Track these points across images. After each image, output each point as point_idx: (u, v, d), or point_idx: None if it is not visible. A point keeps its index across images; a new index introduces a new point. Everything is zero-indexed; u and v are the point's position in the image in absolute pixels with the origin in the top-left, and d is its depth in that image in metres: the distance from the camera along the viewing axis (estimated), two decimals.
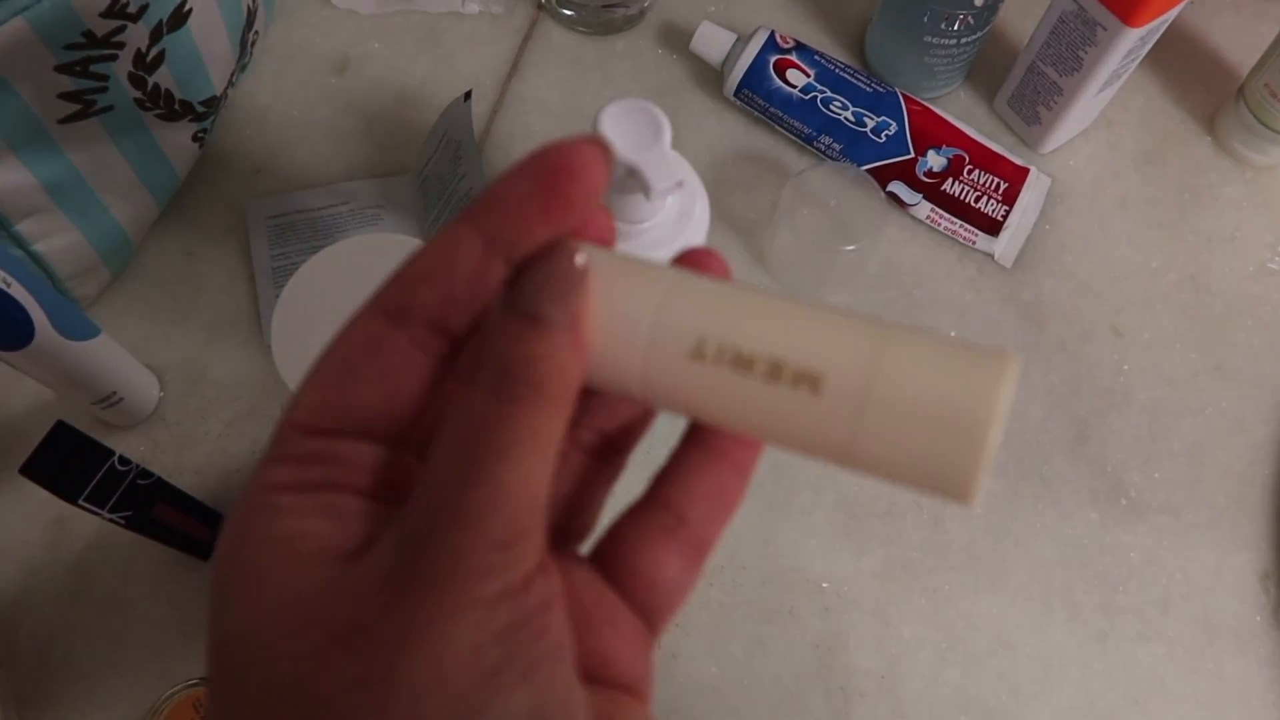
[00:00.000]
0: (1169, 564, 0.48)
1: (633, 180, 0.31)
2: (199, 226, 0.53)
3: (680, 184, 0.32)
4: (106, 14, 0.40)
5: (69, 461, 0.36)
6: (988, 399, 0.16)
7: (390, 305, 0.18)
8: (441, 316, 0.18)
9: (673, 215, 0.34)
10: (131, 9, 0.41)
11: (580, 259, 0.18)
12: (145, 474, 0.40)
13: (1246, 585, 0.48)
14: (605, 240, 0.20)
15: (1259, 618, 0.48)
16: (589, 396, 0.21)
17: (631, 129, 0.31)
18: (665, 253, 0.35)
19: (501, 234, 0.18)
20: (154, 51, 0.43)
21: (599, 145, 0.18)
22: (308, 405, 0.18)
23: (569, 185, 0.18)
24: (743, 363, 0.17)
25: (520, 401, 0.17)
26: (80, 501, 0.36)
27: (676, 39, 0.59)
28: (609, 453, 0.22)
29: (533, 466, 0.17)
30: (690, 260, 0.21)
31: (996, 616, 0.47)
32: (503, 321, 0.18)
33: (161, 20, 0.42)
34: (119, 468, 0.38)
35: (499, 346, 0.17)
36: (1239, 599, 0.48)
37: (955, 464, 0.16)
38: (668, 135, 0.31)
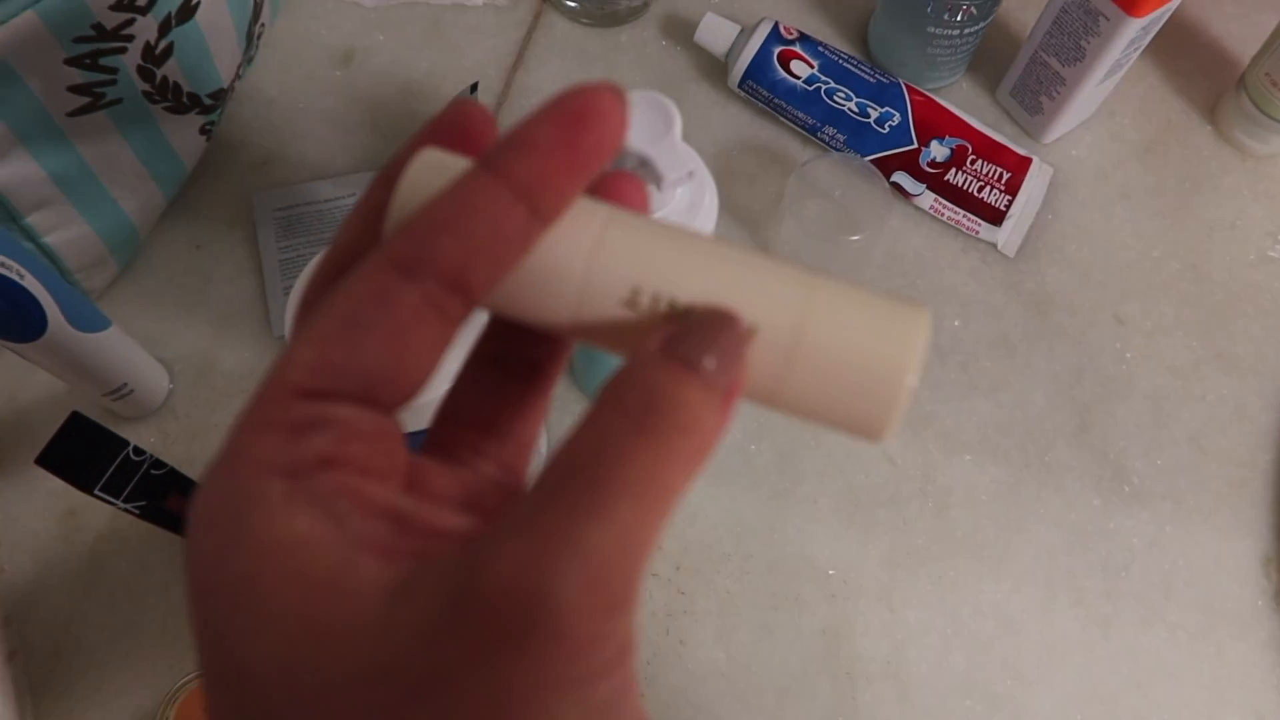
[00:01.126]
0: (1171, 550, 0.49)
1: (644, 171, 0.31)
2: (206, 219, 0.54)
3: (691, 174, 0.33)
4: (116, 7, 0.40)
5: (84, 452, 0.37)
6: (905, 349, 0.17)
7: (402, 257, 0.16)
8: (461, 272, 0.16)
9: (683, 205, 0.35)
10: (141, 2, 0.41)
11: (744, 330, 0.17)
12: (159, 464, 0.40)
13: (1248, 570, 0.49)
14: (638, 204, 0.20)
15: (1260, 602, 0.48)
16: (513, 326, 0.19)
17: (643, 120, 0.31)
18: None
19: (527, 182, 0.16)
20: (163, 44, 0.44)
21: (617, 91, 0.17)
22: (305, 362, 0.16)
23: (596, 130, 0.17)
24: (677, 312, 0.17)
25: (664, 441, 0.16)
26: (96, 491, 0.37)
27: (681, 30, 0.59)
28: (532, 375, 0.21)
29: (657, 518, 0.15)
30: (610, 187, 0.20)
31: (1001, 602, 0.48)
32: (662, 360, 0.16)
33: (170, 13, 0.43)
34: (133, 458, 0.38)
35: (654, 377, 0.16)
36: (1240, 584, 0.48)
37: (874, 409, 0.17)
38: (678, 127, 0.31)
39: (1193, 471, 0.50)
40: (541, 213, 0.17)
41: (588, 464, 0.15)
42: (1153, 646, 0.47)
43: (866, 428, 0.18)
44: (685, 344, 0.16)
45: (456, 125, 0.19)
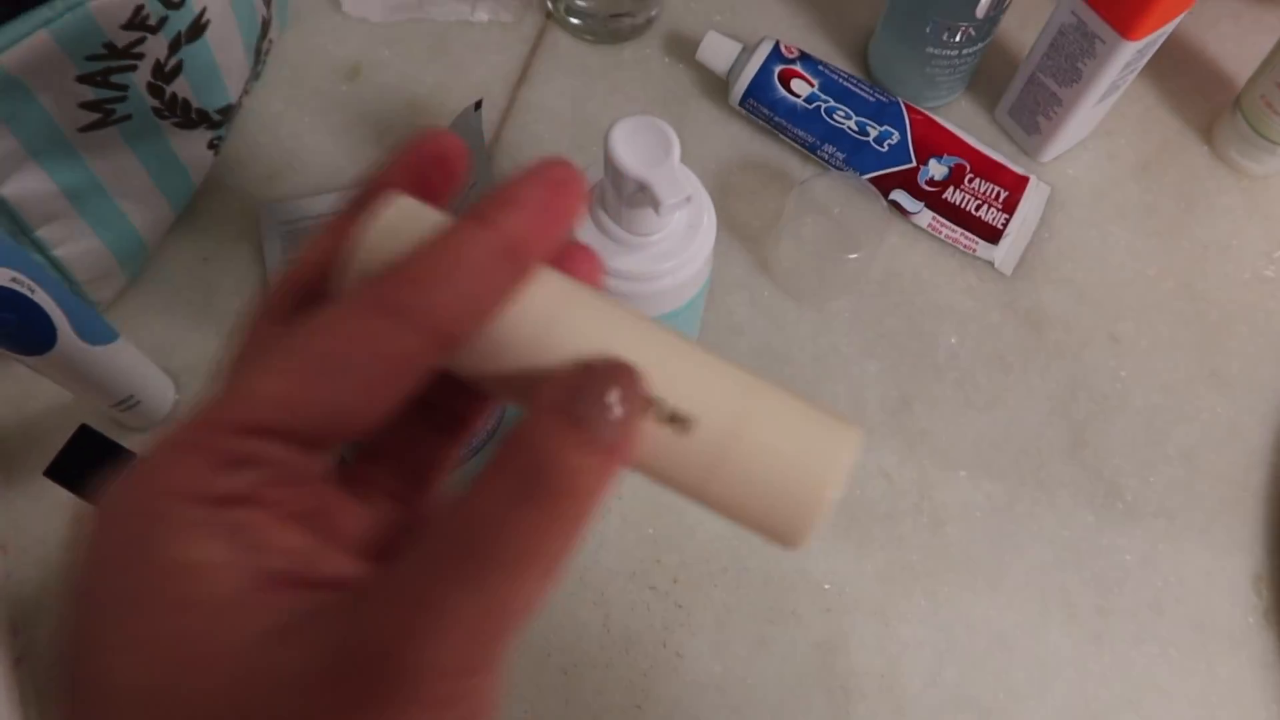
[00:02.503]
0: (1164, 567, 0.49)
1: (642, 195, 0.32)
2: (214, 231, 0.54)
3: (689, 199, 0.33)
4: (127, 26, 0.41)
5: (92, 464, 0.37)
6: (831, 465, 0.18)
7: (393, 302, 0.16)
8: (449, 323, 0.17)
9: (681, 227, 0.35)
10: (151, 21, 0.42)
11: (644, 394, 0.17)
12: None
13: (1239, 588, 0.49)
14: (593, 276, 0.21)
15: (1251, 619, 0.49)
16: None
17: (642, 145, 0.32)
18: (674, 264, 0.36)
19: (514, 238, 0.17)
20: (172, 62, 0.44)
21: (580, 168, 0.19)
22: (265, 395, 0.16)
23: (574, 197, 0.18)
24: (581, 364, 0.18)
25: (544, 509, 0.16)
26: None
27: (683, 48, 0.60)
28: (454, 426, 0.22)
29: (533, 588, 0.16)
30: (569, 260, 0.20)
31: (994, 618, 0.48)
32: (552, 421, 0.16)
33: (180, 32, 0.43)
34: None
35: (542, 443, 0.16)
36: (1232, 601, 0.49)
37: (793, 519, 0.18)
38: (677, 151, 0.32)
39: (1186, 489, 0.51)
40: (524, 270, 0.18)
41: (465, 530, 0.15)
42: (1145, 663, 0.48)
43: (784, 535, 0.18)
44: (578, 401, 0.16)
45: (436, 157, 0.20)
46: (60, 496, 0.39)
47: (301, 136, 0.57)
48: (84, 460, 0.37)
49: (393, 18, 0.60)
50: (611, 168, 0.32)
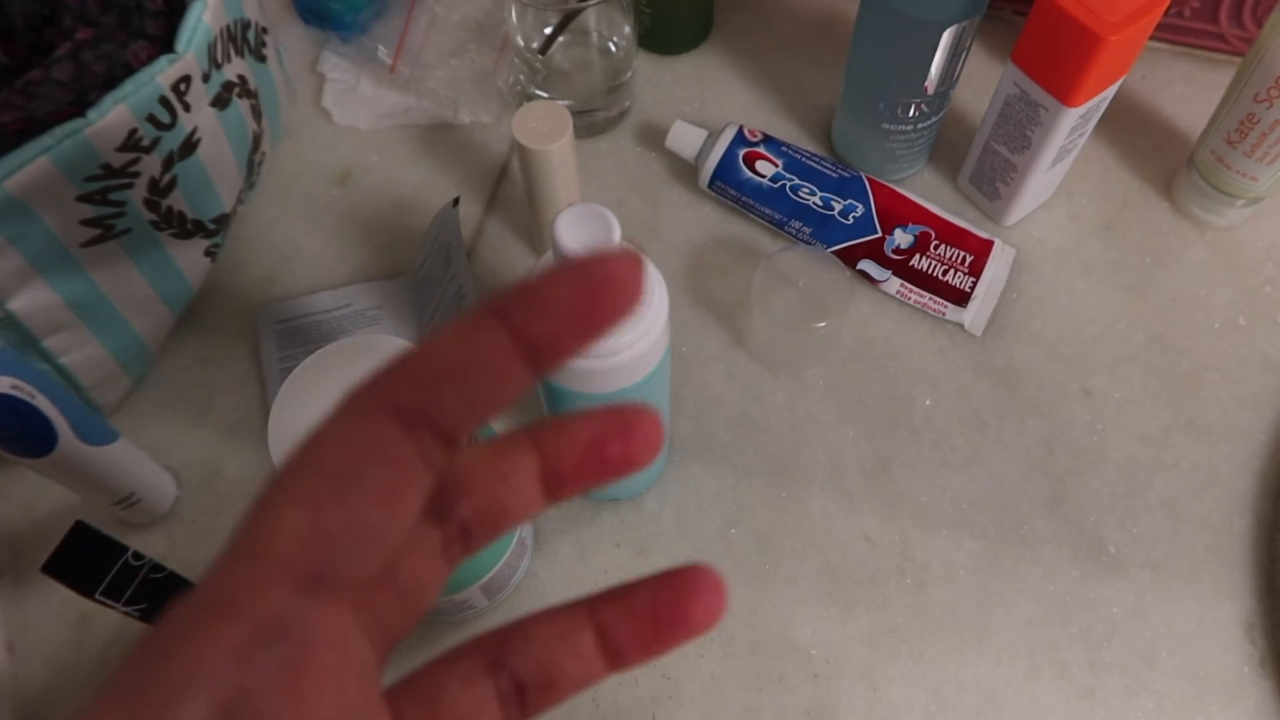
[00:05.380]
0: (1153, 618, 0.49)
1: None
2: (213, 333, 0.57)
3: None
4: (122, 148, 0.44)
5: (86, 559, 0.39)
6: None
7: (401, 403, 0.16)
8: (455, 424, 0.16)
9: None
10: (145, 142, 0.45)
11: None
12: (158, 568, 0.42)
13: (1231, 636, 0.49)
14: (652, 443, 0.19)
15: (1246, 669, 0.48)
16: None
17: (585, 229, 0.34)
18: (628, 339, 0.38)
19: (535, 342, 0.16)
20: (167, 178, 0.48)
21: (637, 260, 0.16)
22: (294, 529, 0.15)
23: (614, 301, 0.16)
24: None
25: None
26: (97, 595, 0.39)
27: (654, 137, 0.63)
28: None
29: None
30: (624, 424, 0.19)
31: (983, 677, 0.48)
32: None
33: (173, 150, 0.47)
34: (133, 563, 0.40)
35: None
36: (1225, 650, 0.49)
37: None
38: (617, 234, 0.34)
39: (1170, 539, 0.51)
40: (538, 373, 0.16)
41: None
42: (1139, 717, 0.47)
43: None
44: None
45: (624, 424, 0.19)
46: (67, 594, 0.40)
47: (295, 239, 0.60)
48: (78, 556, 0.39)
49: (380, 125, 0.63)
50: (557, 251, 0.34)
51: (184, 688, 0.14)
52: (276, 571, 0.15)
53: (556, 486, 0.20)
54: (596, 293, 0.16)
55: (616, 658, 0.20)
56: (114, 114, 0.42)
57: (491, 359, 0.16)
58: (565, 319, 0.16)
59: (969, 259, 0.56)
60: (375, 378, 0.16)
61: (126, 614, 0.41)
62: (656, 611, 0.19)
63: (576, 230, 0.34)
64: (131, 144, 0.44)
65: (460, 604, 0.47)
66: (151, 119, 0.44)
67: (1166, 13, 0.61)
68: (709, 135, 0.59)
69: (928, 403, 0.54)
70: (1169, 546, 0.51)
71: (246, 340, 0.57)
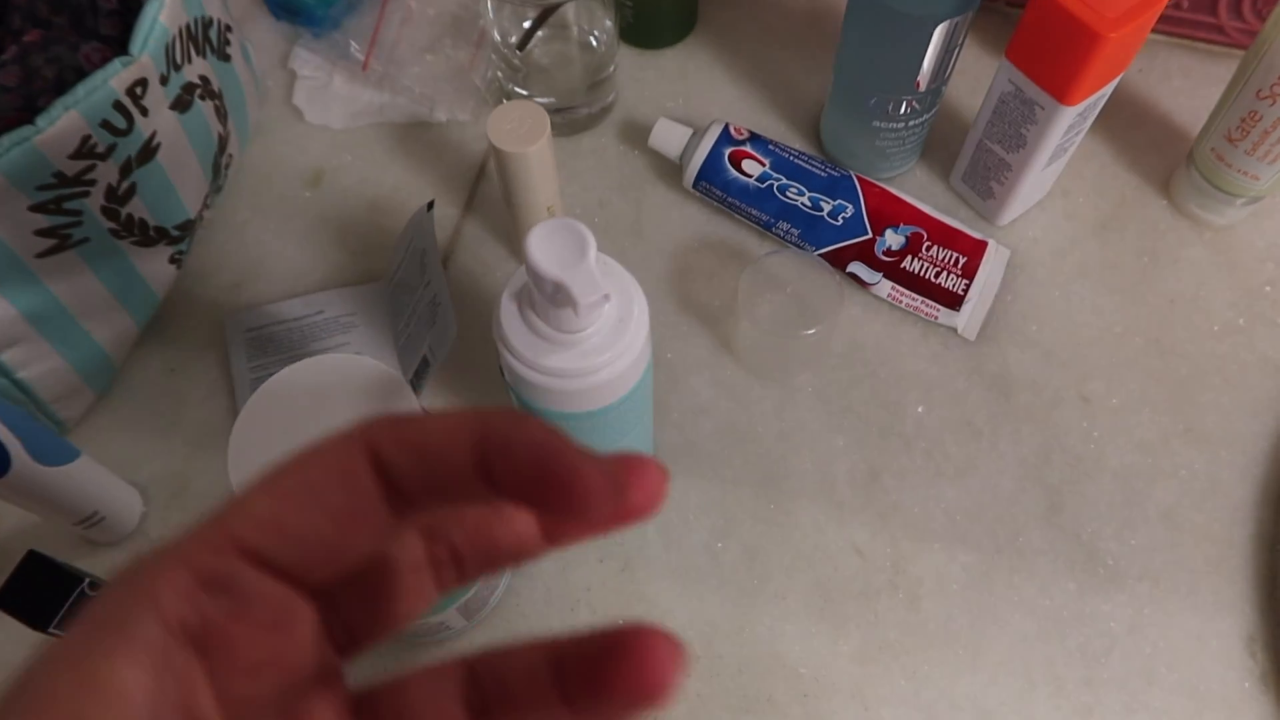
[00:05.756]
0: (1151, 632, 0.48)
1: (561, 294, 0.32)
2: (180, 343, 0.55)
3: (606, 298, 0.33)
4: (75, 155, 0.42)
5: (39, 590, 0.37)
6: None
7: (381, 453, 0.17)
8: (419, 490, 0.17)
9: (610, 321, 0.36)
10: (100, 149, 0.43)
11: None
12: None
13: (1232, 651, 0.48)
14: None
15: (1247, 684, 0.47)
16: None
17: (558, 246, 0.32)
18: (607, 358, 0.36)
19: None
20: (125, 185, 0.45)
21: (664, 474, 0.19)
22: (249, 513, 0.17)
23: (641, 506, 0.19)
24: None
25: None
26: (51, 630, 0.37)
27: (637, 135, 0.61)
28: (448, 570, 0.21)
29: None
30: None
31: (977, 694, 0.47)
32: None
33: (130, 156, 0.45)
34: (89, 593, 0.39)
35: None
36: (1225, 665, 0.47)
37: None
38: (592, 252, 0.32)
39: (1169, 550, 0.50)
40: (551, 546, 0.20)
41: None
42: None
43: None
44: None
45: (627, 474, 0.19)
46: (21, 628, 0.39)
47: (266, 244, 0.58)
48: (33, 587, 0.37)
49: (353, 123, 0.61)
50: (530, 270, 0.32)
51: (140, 609, 0.16)
52: (231, 540, 0.16)
53: (555, 531, 0.21)
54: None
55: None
56: (65, 120, 0.40)
57: (456, 442, 0.17)
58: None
59: (962, 260, 0.55)
60: (378, 422, 0.17)
61: None
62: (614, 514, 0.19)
63: (550, 247, 0.32)
64: (85, 151, 0.42)
65: (438, 626, 0.45)
66: (106, 125, 0.42)
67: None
68: (694, 133, 0.57)
69: (920, 410, 0.53)
70: (1168, 558, 0.49)
71: (215, 349, 0.55)
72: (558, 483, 0.16)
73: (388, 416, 0.17)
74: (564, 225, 0.32)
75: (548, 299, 0.33)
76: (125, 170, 0.45)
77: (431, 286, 0.50)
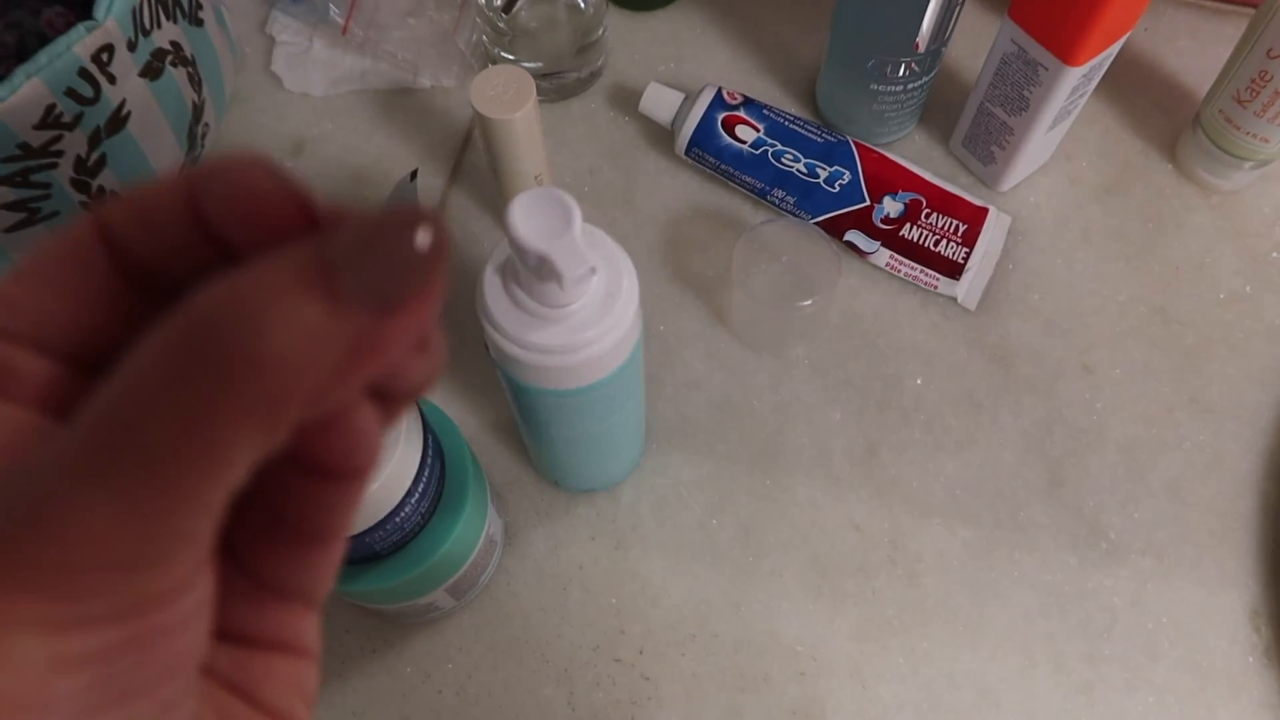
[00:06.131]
0: (1154, 607, 0.47)
1: (545, 268, 0.31)
2: None
3: (593, 271, 0.32)
4: (41, 125, 0.40)
5: None
6: None
7: (99, 217, 0.16)
8: (148, 254, 0.16)
9: (599, 295, 0.34)
10: (66, 118, 0.41)
11: (425, 239, 0.13)
12: None
13: (1236, 625, 0.47)
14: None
15: (1251, 659, 0.46)
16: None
17: (542, 217, 0.31)
18: (595, 333, 0.34)
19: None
20: (95, 156, 0.44)
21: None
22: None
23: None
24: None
25: (213, 383, 0.12)
26: None
27: (628, 100, 0.59)
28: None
29: (189, 490, 0.13)
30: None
31: (978, 672, 0.46)
32: (270, 266, 0.13)
33: (99, 126, 0.43)
34: None
35: (232, 290, 0.13)
36: (1229, 640, 0.46)
37: None
38: (578, 222, 0.30)
39: (1172, 523, 0.49)
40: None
41: (111, 408, 0.13)
42: (1140, 712, 0.45)
43: None
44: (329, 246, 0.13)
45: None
46: None
47: None
48: None
49: (334, 90, 0.59)
50: (512, 242, 0.31)
51: None
52: None
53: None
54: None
55: None
56: (27, 89, 0.39)
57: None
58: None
59: (962, 228, 0.53)
60: (110, 198, 0.16)
61: None
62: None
63: (533, 218, 0.31)
64: (51, 121, 0.41)
65: (427, 607, 0.44)
66: (71, 93, 0.40)
67: None
68: (686, 98, 0.55)
69: (919, 382, 0.52)
70: (1171, 531, 0.49)
71: None
72: (265, 209, 0.14)
73: (123, 192, 0.16)
74: (547, 195, 0.31)
75: (531, 272, 0.32)
76: (94, 141, 0.43)
77: None
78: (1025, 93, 0.49)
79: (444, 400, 0.51)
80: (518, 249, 0.31)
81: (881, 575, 0.48)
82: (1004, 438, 0.50)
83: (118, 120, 0.44)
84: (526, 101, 0.46)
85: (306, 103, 0.59)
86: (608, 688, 0.46)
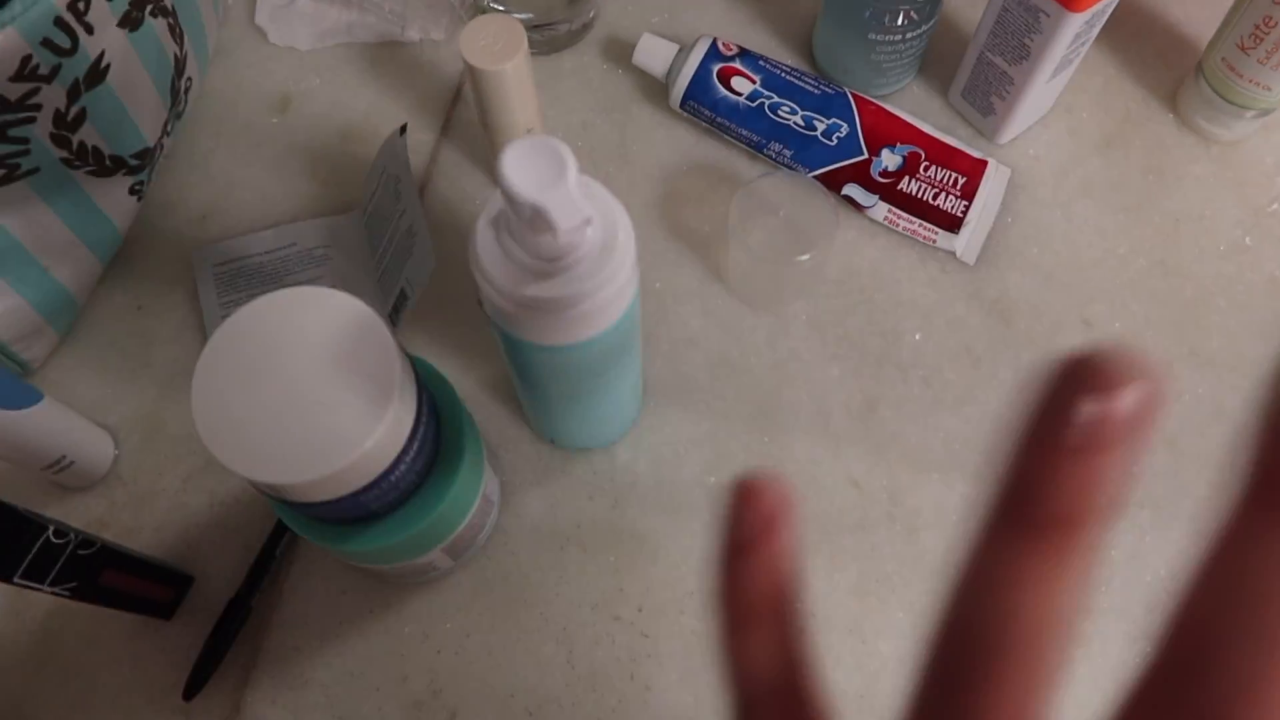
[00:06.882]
0: (1153, 560, 0.47)
1: (540, 219, 0.30)
2: (147, 279, 0.53)
3: (588, 222, 0.31)
4: (17, 78, 0.39)
5: (2, 540, 0.36)
6: None
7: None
8: None
9: (595, 248, 0.33)
10: (43, 70, 0.40)
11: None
12: (87, 542, 0.39)
13: None
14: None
15: None
16: None
17: (535, 167, 0.30)
18: (591, 285, 0.34)
19: None
20: (74, 110, 0.43)
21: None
22: None
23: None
24: None
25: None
26: (16, 579, 0.36)
27: (621, 53, 0.58)
28: None
29: None
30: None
31: None
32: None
33: (78, 79, 0.42)
34: (55, 540, 0.37)
35: None
36: None
37: None
38: (573, 172, 0.30)
39: (1171, 476, 0.49)
40: None
41: None
42: (1138, 665, 0.45)
43: None
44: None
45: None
46: None
47: (233, 174, 0.55)
48: None
49: (321, 44, 0.58)
50: (505, 193, 0.30)
51: None
52: None
53: None
54: None
55: None
56: (1, 39, 0.37)
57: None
58: None
59: (961, 181, 0.52)
60: None
61: (55, 594, 0.38)
62: None
63: (526, 168, 0.30)
64: (28, 73, 0.39)
65: (424, 567, 0.44)
66: (48, 43, 0.39)
67: None
68: (680, 49, 0.54)
69: (917, 337, 0.51)
70: (1170, 484, 0.48)
71: (183, 285, 0.52)
72: None
73: None
74: (541, 144, 0.30)
75: (525, 224, 0.31)
76: (73, 94, 0.42)
77: (407, 216, 0.47)
78: (1026, 41, 0.48)
79: (439, 358, 0.50)
80: (510, 199, 0.30)
81: (880, 531, 0.48)
82: (1003, 392, 0.50)
83: (97, 72, 0.42)
84: (517, 52, 0.45)
85: (292, 56, 0.58)
86: (607, 645, 0.46)
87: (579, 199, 0.30)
